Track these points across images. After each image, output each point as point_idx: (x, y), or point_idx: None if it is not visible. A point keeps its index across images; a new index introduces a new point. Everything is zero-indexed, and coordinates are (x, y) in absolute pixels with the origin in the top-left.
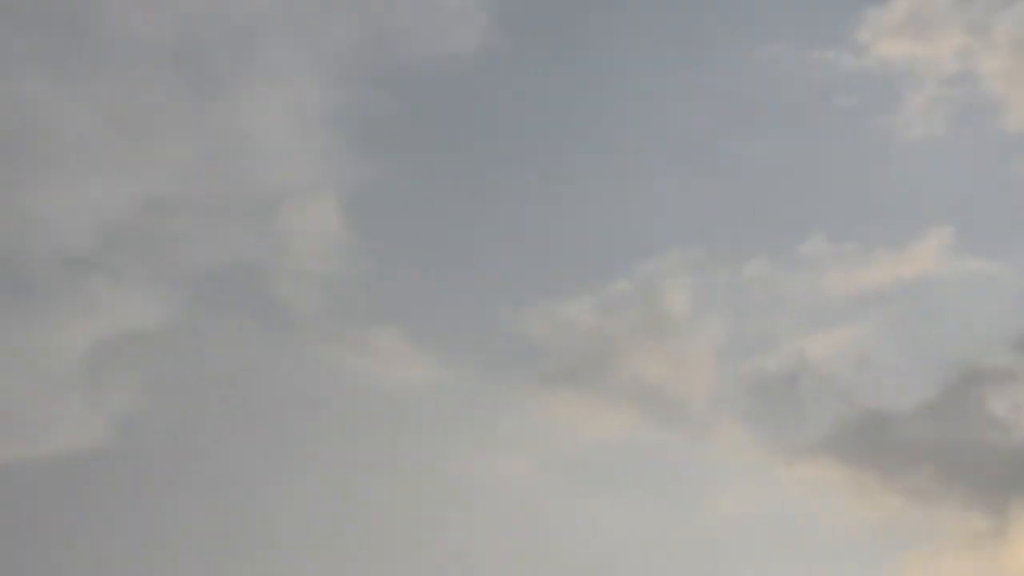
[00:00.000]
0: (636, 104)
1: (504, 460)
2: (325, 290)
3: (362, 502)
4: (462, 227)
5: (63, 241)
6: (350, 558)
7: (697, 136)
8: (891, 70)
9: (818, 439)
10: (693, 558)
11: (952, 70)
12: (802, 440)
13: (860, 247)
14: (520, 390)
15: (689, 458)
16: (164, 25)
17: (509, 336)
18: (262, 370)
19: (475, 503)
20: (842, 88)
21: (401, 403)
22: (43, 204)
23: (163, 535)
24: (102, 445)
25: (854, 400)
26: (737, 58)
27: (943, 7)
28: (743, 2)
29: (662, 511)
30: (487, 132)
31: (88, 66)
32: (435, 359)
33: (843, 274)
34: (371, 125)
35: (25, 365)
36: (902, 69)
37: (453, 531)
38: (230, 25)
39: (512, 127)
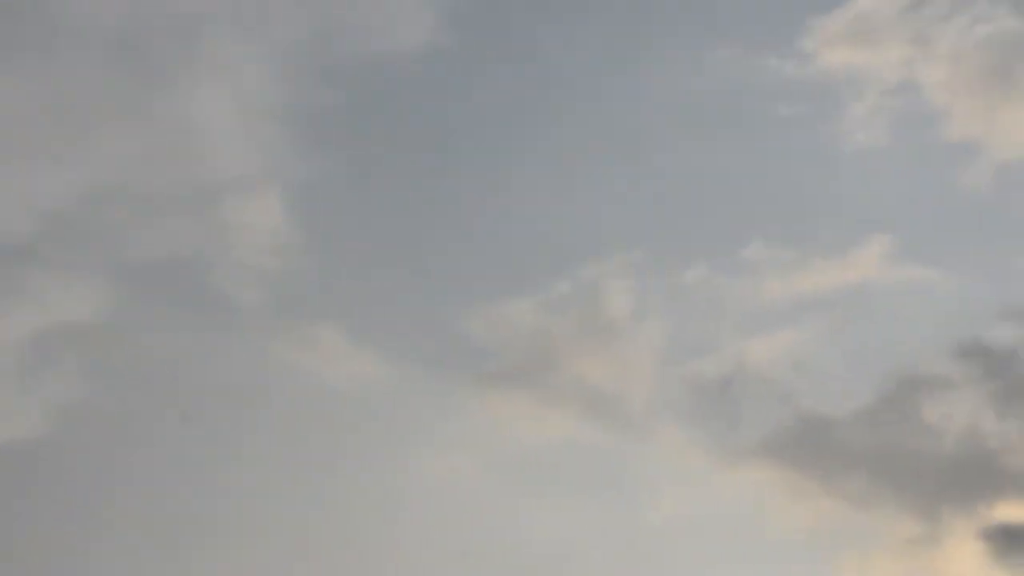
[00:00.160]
0: (581, 106)
1: (444, 459)
2: (267, 284)
3: (301, 498)
4: (406, 224)
5: (1, 230)
6: (288, 553)
7: (642, 139)
8: (835, 78)
9: (757, 442)
10: (632, 559)
11: (895, 80)
12: (741, 443)
13: (801, 253)
14: (462, 389)
15: (629, 460)
16: (110, 14)
17: (452, 335)
18: (202, 363)
19: (415, 502)
20: (786, 95)
21: (342, 400)
22: None
23: (100, 527)
24: (40, 436)
25: (793, 405)
26: (683, 63)
27: (887, 18)
28: (689, 8)
29: (602, 512)
30: (433, 130)
31: (32, 54)
32: (377, 356)
33: (784, 279)
34: (317, 119)
35: None
36: (845, 78)
37: (392, 529)
38: (177, 16)
39: (458, 126)
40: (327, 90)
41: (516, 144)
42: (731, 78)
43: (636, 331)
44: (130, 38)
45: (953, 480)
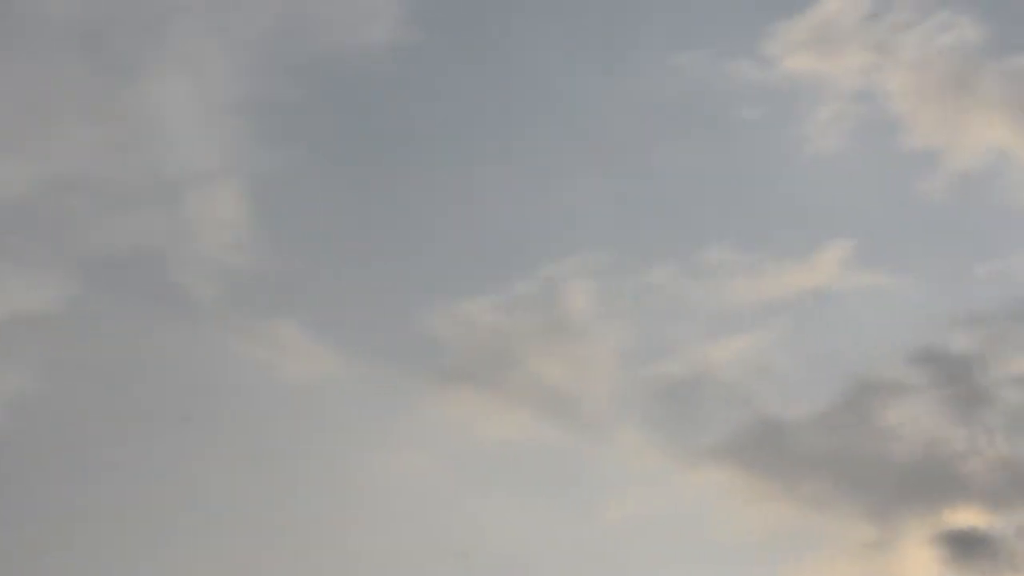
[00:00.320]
0: (547, 106)
1: (402, 457)
2: (227, 279)
3: (256, 494)
4: (368, 221)
5: None
6: (242, 549)
7: (606, 141)
8: (797, 84)
9: (716, 444)
10: (588, 560)
11: (856, 87)
12: (700, 445)
13: (763, 257)
14: (421, 387)
15: (588, 460)
16: (74, 5)
17: (412, 332)
18: (159, 357)
19: (371, 499)
20: (749, 100)
21: (300, 396)
22: None
23: (53, 522)
24: None
25: (753, 407)
26: (648, 66)
27: (849, 25)
28: (653, 11)
29: (559, 512)
30: (397, 126)
31: None
32: (336, 353)
33: (746, 282)
34: (280, 114)
35: None
36: (808, 83)
37: (348, 526)
38: (141, 8)
39: (422, 123)
40: (291, 85)
41: (481, 142)
42: (695, 81)
43: (597, 332)
44: (93, 30)
45: (909, 485)
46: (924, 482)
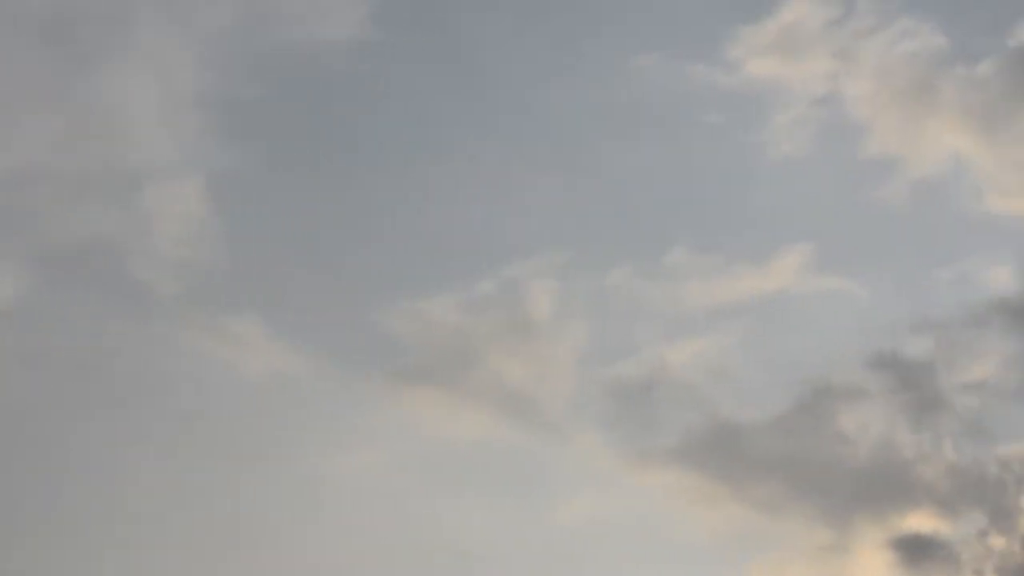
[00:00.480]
0: (508, 106)
1: (358, 455)
2: (184, 274)
3: (211, 491)
4: (327, 218)
5: None
6: (197, 549)
7: (567, 142)
8: (759, 88)
9: (672, 447)
10: (543, 560)
11: (818, 92)
12: (657, 447)
13: (722, 260)
14: (379, 385)
15: (544, 460)
16: None
17: (370, 330)
18: (116, 352)
19: (327, 496)
20: (711, 103)
21: (257, 393)
22: None
23: (4, 519)
24: None
25: (709, 410)
26: (610, 67)
27: (812, 30)
28: (618, 12)
29: (514, 512)
30: (357, 124)
31: None
32: (295, 351)
33: (704, 285)
34: (240, 109)
35: None
36: (770, 88)
37: (304, 524)
38: (103, 0)
39: (383, 121)
40: (251, 80)
41: (441, 142)
42: (658, 84)
43: (556, 332)
44: (53, 21)
45: (865, 489)
46: (878, 486)
